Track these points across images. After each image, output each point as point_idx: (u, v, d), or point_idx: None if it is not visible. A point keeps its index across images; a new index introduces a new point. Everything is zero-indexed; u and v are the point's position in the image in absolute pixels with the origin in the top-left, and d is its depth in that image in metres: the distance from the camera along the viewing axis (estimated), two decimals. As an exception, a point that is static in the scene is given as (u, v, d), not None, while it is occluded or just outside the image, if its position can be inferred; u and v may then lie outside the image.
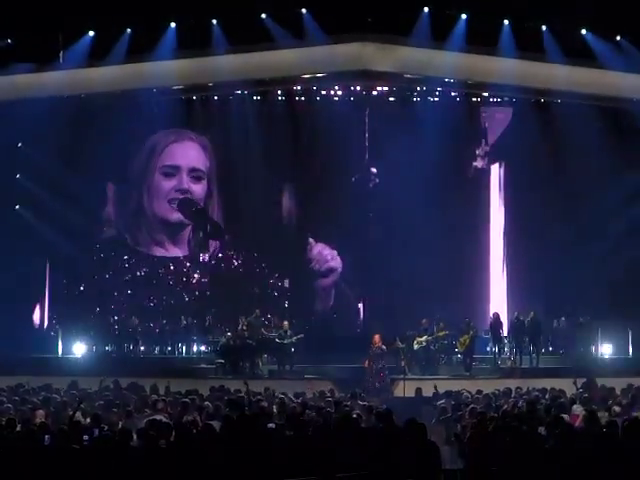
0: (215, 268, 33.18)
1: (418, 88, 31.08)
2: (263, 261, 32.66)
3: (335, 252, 32.48)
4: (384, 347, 26.62)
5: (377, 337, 26.74)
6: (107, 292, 32.50)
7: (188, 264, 33.29)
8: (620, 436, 13.36)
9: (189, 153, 33.35)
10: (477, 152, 32.05)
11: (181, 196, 33.07)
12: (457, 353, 28.53)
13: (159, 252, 33.33)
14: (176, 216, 33.20)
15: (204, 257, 33.24)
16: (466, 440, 14.34)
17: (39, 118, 28.09)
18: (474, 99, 31.72)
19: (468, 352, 27.95)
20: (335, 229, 30.60)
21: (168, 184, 33.12)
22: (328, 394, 21.27)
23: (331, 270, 32.66)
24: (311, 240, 32.49)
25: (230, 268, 33.08)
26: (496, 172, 32.62)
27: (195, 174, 33.22)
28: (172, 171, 33.18)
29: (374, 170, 32.41)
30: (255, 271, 32.76)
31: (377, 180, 32.43)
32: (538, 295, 29.79)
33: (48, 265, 32.59)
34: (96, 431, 14.44)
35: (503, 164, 32.58)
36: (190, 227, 33.35)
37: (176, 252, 33.39)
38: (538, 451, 13.15)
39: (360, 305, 32.69)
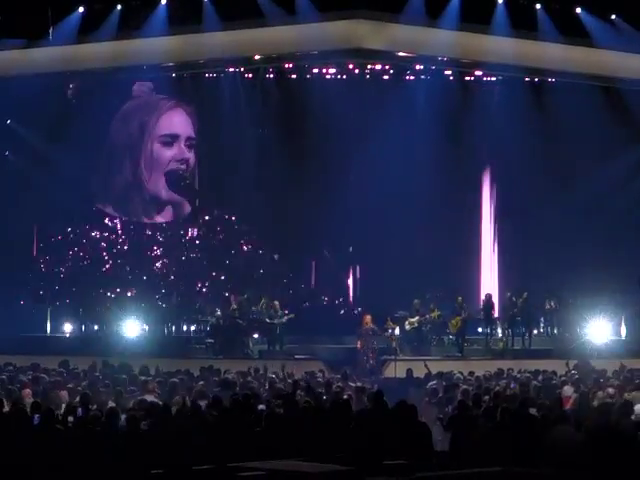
0: (203, 244, 32.88)
1: (411, 66, 30.87)
2: (250, 236, 32.42)
3: None
4: (375, 327, 26.50)
5: (368, 317, 26.61)
6: (95, 268, 32.16)
7: (175, 239, 32.92)
8: (612, 418, 13.30)
9: (184, 121, 32.99)
10: (469, 131, 31.72)
11: (182, 166, 32.66)
12: (449, 334, 28.40)
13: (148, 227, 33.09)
14: (167, 194, 32.87)
15: (193, 232, 32.93)
16: (449, 421, 14.29)
17: (28, 95, 27.80)
18: (467, 77, 31.54)
19: (459, 333, 27.82)
20: (325, 207, 30.30)
21: (168, 153, 32.63)
22: (319, 374, 21.19)
23: None
24: None
25: (219, 244, 32.82)
26: (488, 151, 32.39)
27: (190, 142, 32.85)
28: (171, 140, 32.72)
29: (365, 148, 32.13)
30: (243, 247, 32.53)
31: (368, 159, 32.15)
32: (530, 276, 29.68)
33: (35, 239, 32.36)
34: (79, 411, 14.26)
35: (496, 142, 32.33)
36: (175, 204, 33.01)
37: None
38: (528, 433, 13.08)
39: (350, 284, 32.54)
